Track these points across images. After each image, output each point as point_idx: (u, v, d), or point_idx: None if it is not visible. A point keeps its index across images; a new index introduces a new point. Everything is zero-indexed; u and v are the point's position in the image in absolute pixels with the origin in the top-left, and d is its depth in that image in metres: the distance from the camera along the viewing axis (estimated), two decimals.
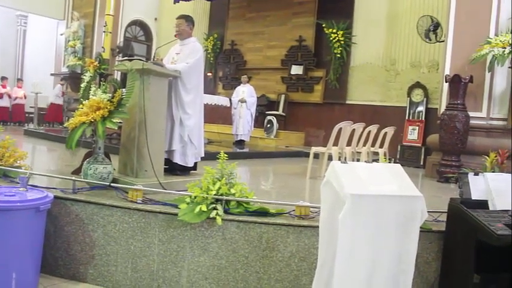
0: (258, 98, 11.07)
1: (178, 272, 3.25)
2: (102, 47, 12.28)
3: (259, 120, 11.76)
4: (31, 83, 12.65)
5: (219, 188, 3.22)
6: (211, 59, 14.11)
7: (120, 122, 4.23)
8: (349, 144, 6.47)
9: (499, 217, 2.70)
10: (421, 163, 9.04)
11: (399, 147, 9.55)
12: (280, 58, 12.54)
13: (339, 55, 11.26)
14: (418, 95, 9.71)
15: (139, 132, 3.95)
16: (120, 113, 3.78)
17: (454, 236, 3.05)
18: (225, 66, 13.75)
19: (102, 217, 3.38)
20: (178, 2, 12.39)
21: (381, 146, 7.39)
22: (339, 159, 3.80)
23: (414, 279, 2.41)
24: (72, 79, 13.08)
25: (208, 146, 8.92)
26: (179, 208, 3.22)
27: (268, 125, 11.64)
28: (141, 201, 3.40)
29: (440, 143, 6.70)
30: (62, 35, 14.42)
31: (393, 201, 2.32)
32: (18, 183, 3.34)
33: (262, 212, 3.29)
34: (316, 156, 6.39)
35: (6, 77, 14.01)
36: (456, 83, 6.43)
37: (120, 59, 4.72)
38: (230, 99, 10.46)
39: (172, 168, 4.62)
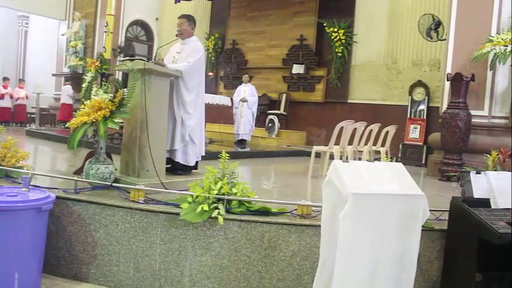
0: (259, 97, 11.07)
1: (181, 272, 3.26)
2: (104, 47, 12.33)
3: (260, 120, 11.77)
4: (33, 83, 12.68)
5: (221, 187, 3.22)
6: (213, 58, 14.11)
7: (121, 122, 4.23)
8: (350, 143, 6.47)
9: (501, 215, 2.70)
10: (423, 162, 9.04)
11: (401, 146, 9.55)
12: (282, 57, 12.54)
13: (340, 54, 11.25)
14: (419, 94, 9.70)
15: (140, 132, 3.95)
16: (122, 113, 3.78)
17: (456, 234, 3.05)
18: (227, 66, 13.75)
19: (104, 217, 3.38)
20: (179, 2, 12.39)
21: (383, 145, 7.39)
22: (341, 158, 3.79)
23: (416, 278, 2.41)
24: (74, 79, 13.09)
25: (210, 145, 8.93)
26: (181, 208, 3.22)
27: (270, 124, 11.63)
28: (142, 201, 3.40)
29: (442, 141, 6.69)
30: (63, 35, 14.44)
31: (395, 200, 2.32)
32: (20, 183, 3.35)
33: (264, 212, 3.29)
34: (318, 155, 6.38)
35: (7, 78, 14.03)
36: (458, 81, 6.42)
37: (122, 59, 4.72)
38: (231, 99, 10.45)
39: (174, 168, 4.62)
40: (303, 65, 11.95)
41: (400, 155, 9.44)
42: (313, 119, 11.84)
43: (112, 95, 3.82)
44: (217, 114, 12.09)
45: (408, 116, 9.74)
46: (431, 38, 8.85)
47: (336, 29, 11.24)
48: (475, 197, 3.12)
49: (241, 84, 10.94)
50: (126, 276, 3.35)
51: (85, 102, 3.92)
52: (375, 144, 7.25)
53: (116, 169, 4.00)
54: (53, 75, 14.40)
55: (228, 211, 3.22)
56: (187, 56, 4.61)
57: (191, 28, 4.82)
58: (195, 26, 4.91)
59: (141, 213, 3.31)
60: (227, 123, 11.76)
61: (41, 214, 3.11)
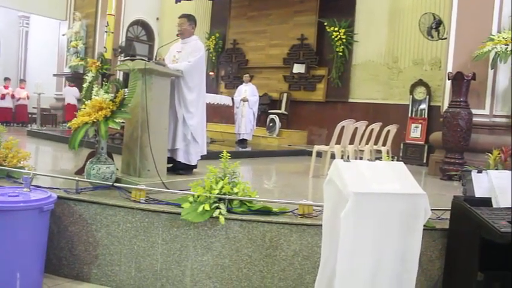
0: (260, 96, 11.07)
1: (182, 272, 3.26)
2: (104, 47, 12.33)
3: (261, 119, 11.77)
4: (34, 83, 12.69)
5: (222, 187, 3.22)
6: (213, 58, 14.11)
7: (122, 122, 4.23)
8: (351, 142, 6.46)
9: (503, 215, 2.69)
10: (424, 161, 9.03)
11: (402, 145, 9.55)
12: (282, 57, 12.54)
13: (341, 53, 11.25)
14: (420, 93, 9.69)
15: (141, 132, 3.95)
16: (123, 113, 3.78)
17: (457, 234, 3.05)
18: (227, 66, 13.75)
19: (105, 217, 3.38)
20: (179, 2, 12.40)
21: (384, 144, 7.38)
22: (342, 158, 3.79)
23: (418, 277, 2.41)
24: (75, 79, 13.10)
25: (211, 145, 8.93)
26: (182, 207, 3.22)
27: (271, 124, 11.63)
28: (144, 201, 3.41)
29: (443, 140, 6.69)
30: (64, 35, 14.45)
31: (396, 200, 2.32)
32: (22, 183, 3.35)
33: (265, 211, 3.29)
34: (319, 154, 6.38)
35: (9, 78, 14.05)
36: (459, 80, 6.42)
37: (122, 59, 4.72)
38: (232, 99, 10.45)
39: (175, 167, 4.62)
40: (304, 65, 11.95)
41: (401, 154, 9.43)
42: (314, 119, 11.83)
43: (113, 95, 3.82)
44: (218, 114, 12.10)
45: (409, 115, 9.73)
46: (432, 37, 8.84)
47: (336, 28, 11.24)
48: (476, 196, 3.12)
49: (242, 83, 10.94)
50: (127, 276, 3.35)
51: (86, 102, 3.92)
52: (376, 143, 7.24)
53: (117, 169, 4.00)
54: (54, 75, 14.42)
55: (229, 211, 3.22)
56: (187, 55, 4.61)
57: (192, 28, 4.82)
58: (196, 25, 4.91)
59: (142, 213, 3.31)
60: (228, 123, 11.76)
61: (43, 214, 3.11)
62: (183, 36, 4.80)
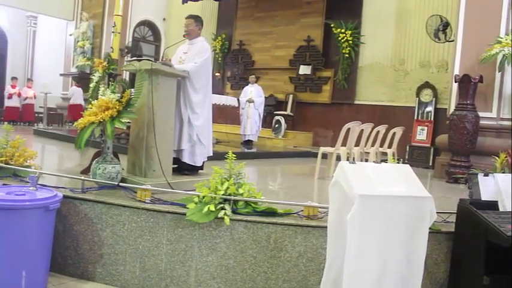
0: (266, 98, 11.07)
1: (186, 272, 3.26)
2: (111, 47, 12.36)
3: (267, 120, 11.76)
4: (41, 83, 12.75)
5: (227, 188, 3.22)
6: (220, 59, 14.13)
7: (128, 122, 4.25)
8: (357, 144, 6.45)
9: (510, 218, 2.68)
10: (430, 164, 9.00)
11: (408, 147, 9.52)
12: (289, 58, 12.53)
13: (347, 55, 11.23)
14: (427, 95, 9.65)
15: (147, 132, 3.96)
16: (129, 113, 3.79)
17: (463, 237, 3.03)
18: (233, 66, 13.76)
19: (110, 216, 3.39)
20: (186, 3, 12.42)
21: (390, 147, 7.36)
22: (347, 160, 3.78)
23: (423, 281, 2.40)
24: (81, 79, 13.16)
25: (217, 146, 8.93)
26: (187, 208, 3.23)
27: (276, 125, 11.63)
28: (149, 201, 3.41)
29: (449, 143, 6.66)
30: (71, 35, 14.52)
31: (402, 202, 2.32)
32: (28, 182, 3.37)
33: (270, 212, 3.28)
34: (325, 156, 6.37)
35: (16, 77, 14.12)
36: (466, 83, 6.39)
37: (129, 59, 4.74)
38: (238, 99, 10.46)
39: (181, 168, 4.63)
40: (310, 66, 11.94)
41: (407, 157, 9.41)
42: (320, 120, 11.82)
43: (119, 95, 3.83)
44: (224, 115, 12.10)
45: (415, 118, 9.70)
46: (439, 39, 8.81)
47: (343, 30, 11.22)
48: (482, 199, 3.10)
49: (248, 84, 10.95)
50: (132, 276, 3.36)
51: (92, 102, 3.94)
52: (381, 145, 7.22)
53: (123, 169, 4.01)
54: (61, 75, 14.49)
55: (234, 212, 3.22)
56: (194, 56, 4.61)
57: (198, 28, 4.83)
58: (202, 26, 4.92)
59: (147, 213, 3.32)
60: (234, 124, 11.76)
61: (49, 213, 3.12)
62: (190, 37, 4.80)
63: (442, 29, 8.62)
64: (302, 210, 3.33)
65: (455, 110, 6.60)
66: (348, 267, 2.25)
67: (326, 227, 2.59)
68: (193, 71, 4.45)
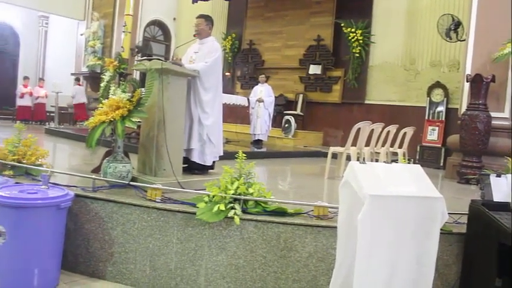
0: (276, 97, 11.06)
1: (196, 271, 3.27)
2: (122, 47, 12.42)
3: (277, 120, 11.75)
4: (52, 82, 12.85)
5: (237, 187, 3.23)
6: (230, 58, 14.14)
7: (139, 122, 4.26)
8: (367, 144, 6.42)
9: None
10: (441, 164, 8.93)
11: (418, 147, 9.45)
12: (299, 58, 12.51)
13: (357, 54, 11.19)
14: (438, 95, 9.58)
15: (158, 131, 3.97)
16: (139, 112, 3.81)
17: (475, 238, 3.01)
18: (243, 66, 13.76)
19: (121, 215, 3.41)
20: (196, 2, 12.44)
21: (400, 147, 7.31)
22: (358, 160, 3.77)
23: (434, 282, 2.38)
24: (92, 79, 13.25)
25: (226, 145, 8.93)
26: (197, 207, 3.23)
27: (286, 125, 11.61)
28: (159, 200, 3.42)
29: (460, 143, 6.60)
30: (82, 35, 14.62)
31: (413, 203, 2.30)
32: (40, 181, 3.40)
33: (280, 212, 3.28)
34: (335, 156, 6.36)
35: (28, 77, 14.25)
36: (478, 82, 6.33)
37: (139, 58, 4.75)
38: (248, 99, 10.46)
39: (191, 167, 4.64)
40: (320, 66, 11.90)
41: (417, 157, 9.35)
42: (330, 120, 11.79)
43: (130, 94, 3.85)
44: (234, 114, 12.10)
45: (426, 118, 9.63)
46: (451, 39, 8.74)
47: (353, 30, 11.18)
48: (494, 200, 3.07)
49: (257, 84, 10.94)
50: (142, 275, 3.37)
51: (103, 101, 3.96)
52: (392, 145, 7.18)
53: (133, 168, 4.03)
54: (72, 74, 14.58)
55: (244, 211, 3.22)
56: (204, 55, 4.62)
57: (209, 28, 4.83)
58: (213, 26, 4.92)
59: (157, 212, 3.33)
60: (244, 123, 11.77)
61: (60, 211, 3.15)
62: (200, 37, 4.81)
63: (454, 28, 8.56)
64: (312, 210, 3.32)
65: (467, 109, 6.54)
66: (358, 267, 2.24)
67: (336, 227, 2.59)
68: (203, 71, 4.46)
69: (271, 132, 11.01)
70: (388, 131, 6.91)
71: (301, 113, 12.06)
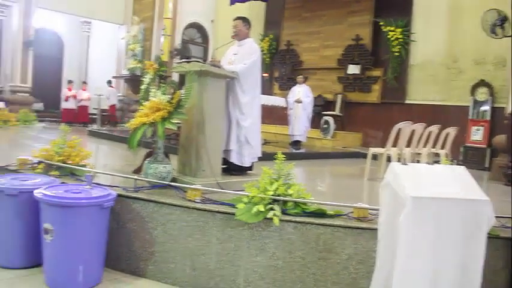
0: (314, 98, 10.97)
1: (235, 271, 3.28)
2: (161, 50, 12.67)
3: (315, 121, 11.65)
4: (94, 86, 13.23)
5: (277, 188, 3.22)
6: (267, 59, 14.13)
7: (179, 123, 4.32)
8: (408, 145, 6.28)
9: None
10: (486, 165, 8.64)
11: (462, 148, 9.18)
12: (337, 58, 12.38)
13: (397, 53, 10.96)
14: (482, 94, 9.28)
15: (197, 132, 4.02)
16: (179, 114, 3.86)
17: None
18: (281, 67, 13.74)
19: (161, 215, 3.46)
20: (234, 4, 12.51)
21: (442, 147, 7.12)
22: (398, 161, 3.69)
23: None
24: (132, 81, 13.55)
25: (265, 146, 8.94)
26: (237, 208, 3.24)
27: (325, 126, 11.52)
28: (199, 201, 3.46)
29: (507, 144, 6.37)
30: (122, 39, 15.00)
31: (457, 205, 2.23)
32: (84, 181, 3.50)
33: (320, 213, 3.25)
34: (374, 157, 6.26)
35: (72, 81, 14.71)
36: None
37: (179, 61, 4.82)
38: (286, 100, 10.43)
39: (229, 168, 4.66)
40: (359, 66, 11.74)
41: (461, 158, 9.07)
42: (369, 120, 11.61)
43: (170, 96, 3.91)
44: (272, 115, 12.10)
45: (470, 117, 9.34)
46: (496, 35, 8.43)
47: (392, 28, 10.97)
48: None
49: (295, 85, 10.89)
50: (182, 274, 3.41)
51: (144, 103, 4.03)
52: (434, 146, 7.00)
53: (174, 169, 4.08)
54: (113, 77, 14.96)
55: (283, 212, 3.21)
56: (243, 57, 4.62)
57: (246, 29, 4.84)
58: (251, 27, 4.93)
59: (197, 213, 3.36)
60: (282, 124, 11.75)
61: (103, 211, 3.23)
62: (239, 38, 4.82)
63: (500, 23, 8.25)
64: (352, 212, 3.28)
65: None
66: (398, 271, 2.19)
67: (376, 229, 2.54)
68: (241, 72, 4.47)
69: (310, 133, 10.94)
70: (430, 132, 6.74)
71: (340, 114, 11.93)
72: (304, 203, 3.28)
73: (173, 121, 3.84)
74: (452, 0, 10.17)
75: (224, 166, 4.51)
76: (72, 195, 3.16)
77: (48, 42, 15.98)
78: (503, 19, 8.22)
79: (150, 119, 3.79)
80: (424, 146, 6.72)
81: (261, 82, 4.86)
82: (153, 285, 3.43)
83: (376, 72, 11.61)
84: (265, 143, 9.57)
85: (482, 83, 9.31)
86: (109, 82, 14.96)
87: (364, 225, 3.14)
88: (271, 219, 3.12)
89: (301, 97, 10.36)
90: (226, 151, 4.56)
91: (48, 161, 4.14)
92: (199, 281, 3.37)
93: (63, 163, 4.13)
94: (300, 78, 10.88)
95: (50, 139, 4.51)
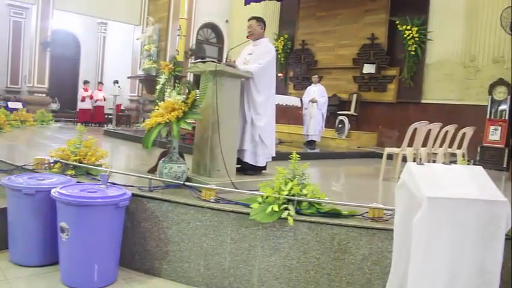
0: (329, 97, 10.94)
1: (249, 271, 3.28)
2: (177, 50, 12.72)
3: (330, 121, 11.62)
4: (110, 86, 13.33)
5: (291, 188, 3.21)
6: (282, 59, 14.11)
7: (193, 123, 4.34)
8: (424, 145, 6.22)
9: None
10: (504, 165, 8.51)
11: (479, 148, 9.06)
12: (352, 57, 12.31)
13: (413, 52, 10.87)
14: (500, 93, 9.14)
15: (212, 132, 4.02)
16: (194, 113, 3.88)
17: None
18: (296, 66, 13.71)
19: (176, 215, 3.47)
20: (249, 4, 12.52)
21: (459, 147, 7.03)
22: (414, 161, 3.65)
23: None
24: (148, 81, 13.64)
25: (279, 146, 8.94)
26: (251, 208, 3.24)
27: (340, 125, 11.47)
28: (213, 200, 3.46)
29: None
30: (137, 39, 15.10)
31: (474, 206, 2.19)
32: (100, 180, 3.53)
33: (334, 214, 3.23)
34: (390, 157, 6.20)
35: (88, 81, 14.87)
36: None
37: (194, 61, 4.84)
38: (301, 99, 10.41)
39: (244, 168, 4.66)
40: (374, 65, 11.66)
41: (478, 158, 8.95)
42: (385, 120, 11.53)
43: (185, 96, 3.92)
44: (287, 115, 12.09)
45: (487, 117, 9.21)
46: None
47: (409, 27, 10.88)
48: None
49: (310, 84, 10.87)
50: (196, 273, 3.42)
51: (159, 103, 4.05)
52: (450, 146, 6.92)
53: (188, 168, 4.10)
54: (128, 77, 15.08)
55: (298, 212, 3.20)
56: (258, 57, 4.61)
57: (261, 29, 4.83)
58: (265, 27, 4.92)
59: (212, 212, 3.37)
60: (297, 124, 11.72)
61: (118, 210, 3.26)
62: (254, 38, 4.82)
63: None
64: (367, 212, 3.26)
65: None
66: (414, 272, 2.17)
67: (392, 229, 2.52)
68: (256, 72, 4.46)
69: (325, 133, 10.91)
70: (446, 131, 6.66)
71: (355, 113, 11.87)
72: (319, 203, 3.27)
73: (188, 121, 3.85)
74: None
75: (238, 166, 4.51)
76: (87, 194, 3.19)
77: (65, 43, 16.16)
78: None
79: (165, 118, 3.81)
80: (440, 146, 6.65)
81: (276, 82, 4.85)
82: (168, 284, 3.45)
83: (392, 72, 11.52)
84: (280, 142, 9.57)
85: (500, 82, 9.17)
86: (116, 82, 15.06)
87: (379, 225, 3.11)
88: (285, 219, 3.11)
89: (316, 97, 10.33)
90: (241, 151, 4.56)
91: (64, 161, 4.19)
92: (213, 281, 3.37)
93: (79, 163, 4.18)
94: (315, 77, 10.85)
95: (66, 139, 4.56)
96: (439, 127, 6.38)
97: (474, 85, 9.92)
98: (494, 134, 9.00)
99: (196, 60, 4.69)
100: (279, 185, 3.25)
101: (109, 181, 3.53)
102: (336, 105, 12.08)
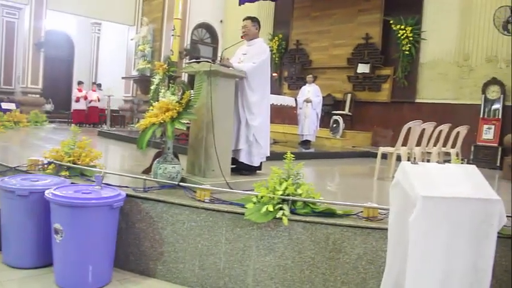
0: (323, 97, 10.95)
1: (244, 271, 3.28)
2: (171, 50, 12.70)
3: (325, 120, 11.64)
4: (104, 86, 13.30)
5: (286, 188, 3.21)
6: (277, 59, 14.11)
7: (188, 123, 4.33)
8: (418, 144, 6.24)
9: None
10: (498, 164, 8.55)
11: (473, 147, 9.10)
12: (346, 57, 12.33)
13: (407, 52, 10.90)
14: (494, 92, 9.19)
15: (206, 132, 4.02)
16: (189, 114, 3.87)
17: None
18: (290, 66, 13.71)
19: (171, 215, 3.47)
20: (243, 4, 12.52)
21: (453, 146, 7.06)
22: (408, 160, 3.66)
23: None
24: (142, 82, 13.61)
25: (274, 146, 8.94)
26: (246, 208, 3.24)
27: (334, 125, 11.48)
28: (208, 201, 3.46)
29: None
30: (132, 40, 15.06)
31: (468, 205, 2.21)
32: (94, 181, 3.52)
33: (329, 213, 3.24)
34: (384, 156, 6.22)
35: (82, 82, 14.81)
36: None
37: (188, 61, 4.83)
38: (295, 99, 10.42)
39: (238, 168, 4.65)
40: (369, 64, 11.69)
41: (471, 157, 9.00)
42: (379, 120, 11.56)
43: (179, 96, 3.91)
44: (282, 115, 12.09)
45: (481, 116, 9.26)
46: (508, 32, 8.35)
47: (403, 27, 10.91)
48: None
49: (305, 84, 10.87)
50: (191, 274, 3.42)
51: (153, 103, 4.04)
52: (444, 145, 6.95)
53: (183, 169, 4.09)
54: (123, 78, 15.04)
55: (292, 212, 3.20)
56: (252, 57, 4.60)
57: (256, 29, 4.83)
58: (260, 27, 4.92)
59: (206, 212, 3.37)
60: (291, 124, 11.73)
61: (113, 211, 3.25)
62: (248, 38, 4.81)
63: None
64: (361, 212, 3.26)
65: None
66: (410, 271, 2.17)
67: (386, 229, 2.53)
68: (250, 71, 4.45)
69: (319, 133, 10.92)
70: (440, 130, 6.69)
71: (350, 113, 11.89)
72: (314, 203, 3.27)
73: (182, 121, 3.85)
74: None
75: (233, 166, 4.51)
76: (82, 195, 3.18)
77: (59, 44, 16.11)
78: None
79: (160, 119, 3.80)
80: (434, 145, 6.68)
81: (270, 82, 4.85)
82: (162, 285, 3.44)
83: (386, 71, 11.56)
84: (274, 142, 9.57)
85: (493, 81, 9.23)
86: (98, 85, 15.05)
87: (373, 225, 3.12)
88: (280, 219, 3.11)
89: (310, 96, 10.34)
90: (236, 151, 4.55)
91: (58, 162, 4.17)
92: (208, 281, 3.37)
93: (73, 164, 4.16)
94: (309, 77, 10.86)
95: (60, 140, 4.54)
96: (433, 126, 6.40)
97: (468, 84, 9.97)
98: (488, 133, 9.05)
99: (191, 61, 4.68)
100: (273, 185, 3.25)
101: (103, 182, 3.52)
102: (331, 105, 12.09)
